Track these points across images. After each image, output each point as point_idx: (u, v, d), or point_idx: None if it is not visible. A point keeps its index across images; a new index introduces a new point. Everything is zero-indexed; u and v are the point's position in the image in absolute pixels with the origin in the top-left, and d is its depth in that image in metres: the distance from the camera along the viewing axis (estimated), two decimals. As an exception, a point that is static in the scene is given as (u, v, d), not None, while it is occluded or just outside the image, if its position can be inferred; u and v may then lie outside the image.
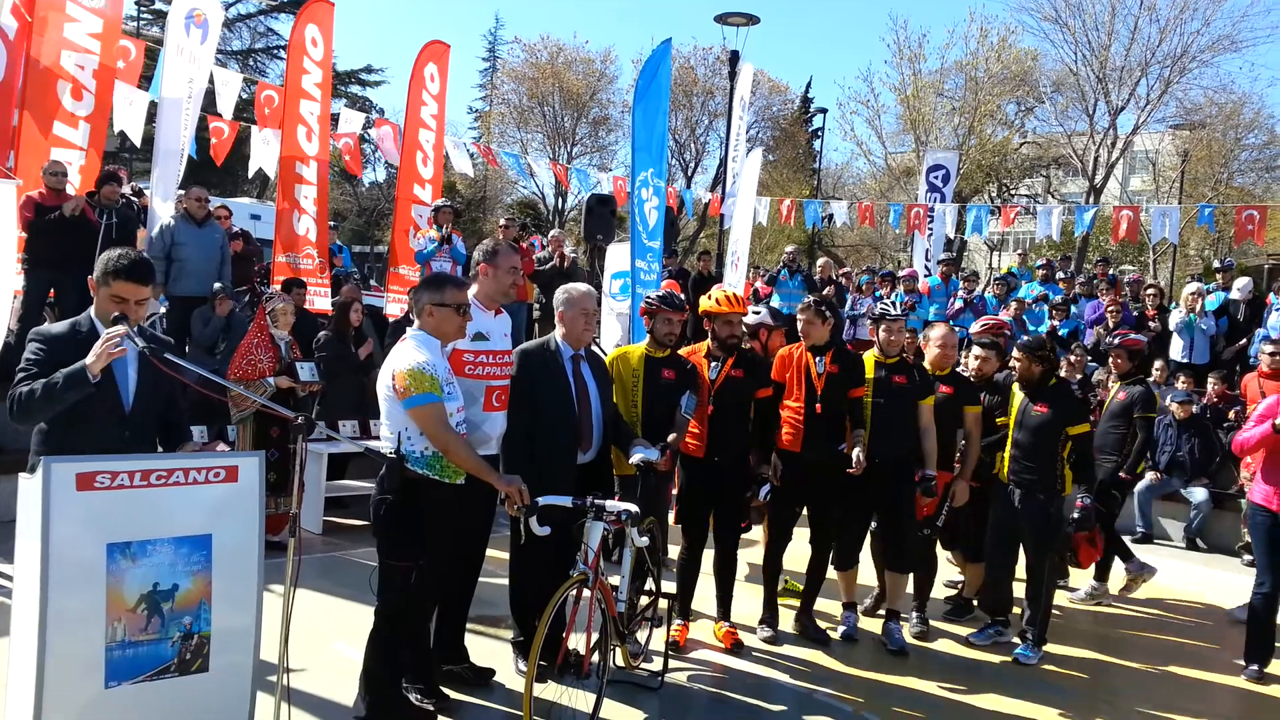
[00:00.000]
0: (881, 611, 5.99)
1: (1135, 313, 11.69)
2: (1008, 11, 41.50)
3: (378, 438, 4.27)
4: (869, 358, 5.72)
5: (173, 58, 9.66)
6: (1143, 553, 8.10)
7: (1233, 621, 6.58)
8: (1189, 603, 7.23)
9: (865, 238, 34.26)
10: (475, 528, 4.52)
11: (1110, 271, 14.25)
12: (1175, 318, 11.16)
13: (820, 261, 14.92)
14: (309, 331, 8.37)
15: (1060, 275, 13.20)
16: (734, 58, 16.39)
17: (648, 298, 5.40)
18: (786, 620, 5.83)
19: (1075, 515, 5.64)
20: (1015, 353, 5.83)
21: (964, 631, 6.07)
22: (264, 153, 13.26)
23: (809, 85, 40.28)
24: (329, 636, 5.10)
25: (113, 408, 3.62)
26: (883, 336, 5.66)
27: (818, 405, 5.47)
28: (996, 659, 5.67)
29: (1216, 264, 14.88)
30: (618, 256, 10.31)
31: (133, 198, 10.56)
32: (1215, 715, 5.13)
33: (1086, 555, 6.07)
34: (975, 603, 6.34)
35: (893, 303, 5.76)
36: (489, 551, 4.77)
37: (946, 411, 5.80)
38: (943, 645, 5.88)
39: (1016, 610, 5.97)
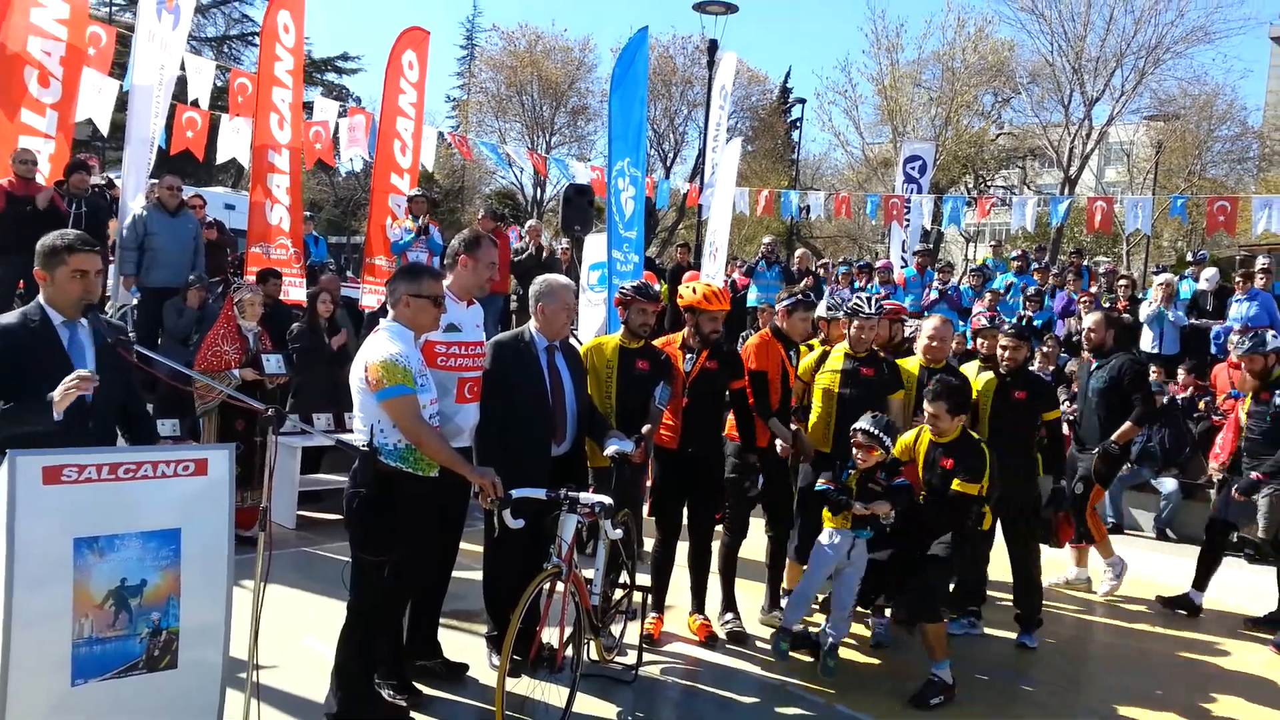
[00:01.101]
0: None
1: (1108, 304, 11.79)
2: (985, 1, 41.68)
3: (353, 430, 4.24)
4: (838, 349, 5.73)
5: (144, 44, 9.54)
6: (1114, 543, 8.17)
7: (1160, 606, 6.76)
8: (1157, 591, 7.29)
9: (843, 229, 34.35)
10: (449, 521, 4.50)
11: (1084, 263, 14.38)
12: (1146, 309, 11.27)
13: (798, 253, 14.93)
14: (285, 323, 8.29)
15: (1035, 266, 13.31)
16: (712, 47, 16.30)
17: (622, 288, 5.37)
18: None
19: (1051, 495, 5.83)
20: (1003, 339, 5.86)
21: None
22: (234, 141, 13.13)
23: (788, 75, 40.19)
24: (301, 632, 5.07)
25: (73, 402, 3.56)
26: (853, 333, 5.66)
27: (793, 399, 5.49)
28: (968, 649, 5.71)
29: (1190, 256, 15.06)
30: (595, 247, 10.28)
31: (105, 189, 10.43)
32: (1185, 701, 5.20)
33: (1065, 534, 6.24)
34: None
35: (868, 300, 5.71)
36: (463, 545, 4.76)
37: None
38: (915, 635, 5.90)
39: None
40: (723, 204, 11.38)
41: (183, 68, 11.48)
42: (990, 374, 5.93)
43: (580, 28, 78.41)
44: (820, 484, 4.98)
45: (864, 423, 4.98)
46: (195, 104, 13.23)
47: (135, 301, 9.44)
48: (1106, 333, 6.86)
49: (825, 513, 5.00)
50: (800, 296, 5.71)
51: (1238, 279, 11.30)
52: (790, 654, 5.02)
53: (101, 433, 3.68)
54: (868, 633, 5.78)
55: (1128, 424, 6.62)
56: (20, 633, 3.10)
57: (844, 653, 5.51)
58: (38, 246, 3.63)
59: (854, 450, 4.98)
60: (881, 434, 4.93)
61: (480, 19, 47.34)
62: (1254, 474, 6.34)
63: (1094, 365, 6.86)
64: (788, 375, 5.53)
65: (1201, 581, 6.67)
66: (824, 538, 5.00)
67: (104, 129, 11.79)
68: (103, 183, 10.52)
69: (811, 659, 5.19)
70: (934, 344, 5.84)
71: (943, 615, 5.01)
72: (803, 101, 30.27)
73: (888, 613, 5.63)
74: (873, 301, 5.69)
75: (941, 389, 4.93)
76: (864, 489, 4.93)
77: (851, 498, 4.89)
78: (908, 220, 17.48)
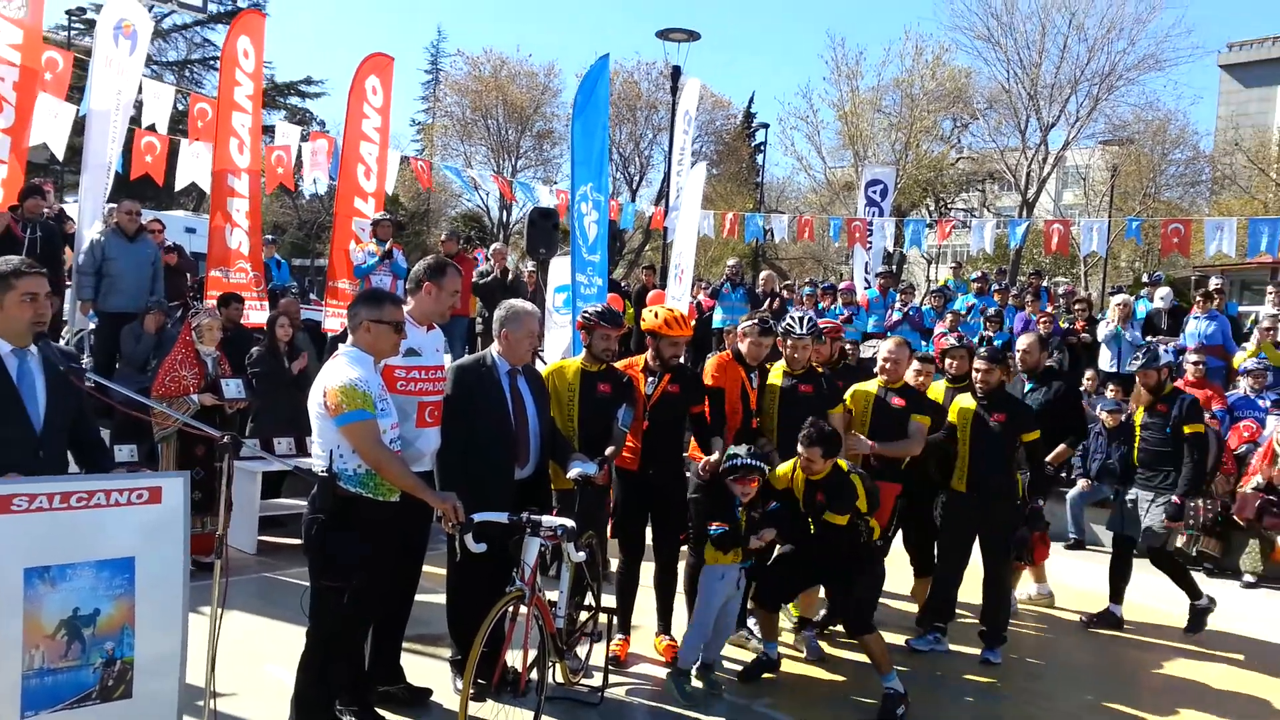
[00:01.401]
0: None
1: (1066, 324, 11.99)
2: (942, 30, 42.77)
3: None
4: (776, 368, 5.76)
5: (101, 69, 9.48)
6: (1076, 558, 8.29)
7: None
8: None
9: (808, 251, 34.69)
10: (410, 546, 4.46)
11: (1043, 284, 14.63)
12: (1103, 329, 11.47)
13: (763, 274, 15.06)
14: (245, 347, 8.20)
15: (996, 287, 13.51)
16: (676, 73, 16.50)
17: (585, 312, 5.38)
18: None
19: (1028, 515, 5.96)
20: (979, 362, 5.93)
21: (901, 639, 6.13)
22: (194, 166, 13.02)
23: (751, 101, 40.71)
24: (261, 658, 5.00)
25: (22, 431, 3.52)
26: (787, 352, 5.69)
27: (754, 420, 5.51)
28: (932, 666, 5.75)
29: (1145, 277, 15.37)
30: (561, 270, 10.29)
31: (58, 221, 10.27)
32: (1148, 713, 5.26)
33: (1040, 554, 6.28)
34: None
35: (800, 320, 5.71)
36: (426, 569, 4.72)
37: (899, 424, 5.81)
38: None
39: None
40: (688, 226, 11.45)
41: (140, 92, 11.39)
42: (969, 396, 5.99)
43: (545, 53, 78.94)
44: (714, 527, 5.00)
45: (740, 454, 5.02)
46: (152, 129, 13.09)
47: (92, 327, 9.31)
48: (1040, 354, 6.99)
49: (710, 550, 5.05)
50: (757, 321, 5.74)
51: (1197, 298, 11.52)
52: (690, 690, 5.03)
53: (53, 461, 3.63)
54: (835, 651, 5.79)
55: (1062, 446, 6.78)
56: (-32, 665, 3.04)
57: (808, 671, 5.55)
58: None
59: (735, 485, 5.00)
60: (757, 463, 4.99)
61: (445, 44, 47.51)
62: (1174, 498, 6.47)
63: (1028, 387, 6.98)
64: (748, 396, 5.56)
65: (1117, 595, 6.77)
66: (712, 572, 5.05)
67: (60, 154, 11.65)
68: (54, 214, 10.36)
69: (771, 675, 5.29)
70: (888, 365, 5.90)
71: (876, 626, 5.11)
72: (766, 126, 30.60)
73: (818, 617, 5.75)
74: (804, 321, 5.68)
75: (816, 435, 4.95)
76: (749, 520, 5.03)
77: (743, 537, 4.98)
78: (870, 242, 17.69)
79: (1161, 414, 6.53)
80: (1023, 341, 7.07)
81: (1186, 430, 6.42)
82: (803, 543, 5.17)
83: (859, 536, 5.10)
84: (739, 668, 5.43)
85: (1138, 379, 6.75)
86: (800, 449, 5.01)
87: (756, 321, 5.70)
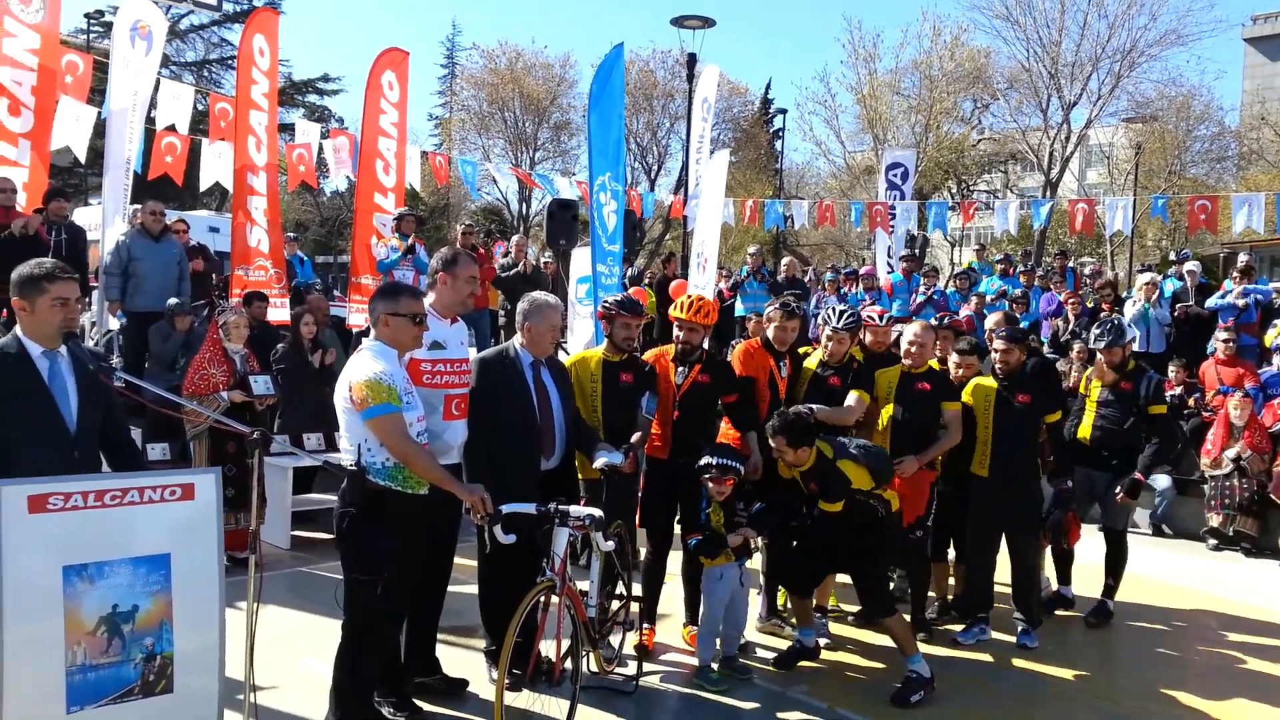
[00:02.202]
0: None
1: (1092, 304, 11.85)
2: (960, 10, 42.28)
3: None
4: (816, 355, 5.69)
5: (119, 70, 9.57)
6: (1097, 537, 8.18)
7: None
8: (1155, 588, 7.31)
9: (830, 236, 34.52)
10: (440, 539, 4.48)
11: (1069, 264, 14.47)
12: (1130, 308, 11.31)
13: (785, 261, 15.00)
14: (272, 344, 8.25)
15: (1022, 269, 13.36)
16: (691, 60, 16.42)
17: (605, 302, 5.36)
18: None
19: (1054, 497, 5.89)
20: (998, 344, 5.83)
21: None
22: (216, 166, 13.09)
23: (768, 87, 40.50)
24: (298, 652, 5.04)
25: (56, 432, 3.55)
26: (823, 344, 5.63)
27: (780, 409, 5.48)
28: (968, 655, 5.69)
29: (1173, 255, 15.17)
30: (582, 260, 10.28)
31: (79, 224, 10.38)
32: (1190, 696, 5.20)
33: (1074, 535, 6.22)
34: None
35: (839, 314, 5.59)
36: (459, 560, 4.74)
37: (925, 409, 5.69)
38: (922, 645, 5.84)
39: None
40: (710, 215, 11.38)
41: (158, 91, 11.48)
42: (989, 377, 5.91)
43: (560, 44, 78.92)
44: (691, 540, 4.98)
45: (707, 458, 4.96)
46: (172, 128, 13.16)
47: (118, 327, 9.40)
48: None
49: (702, 559, 5.01)
50: (780, 305, 5.65)
51: (1235, 274, 11.30)
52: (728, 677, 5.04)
53: (87, 461, 3.66)
54: (858, 635, 5.76)
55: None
56: (12, 662, 3.08)
57: (844, 658, 5.53)
58: (13, 276, 3.59)
59: (710, 485, 4.94)
60: (730, 461, 4.91)
61: (460, 38, 47.55)
62: (1136, 475, 6.29)
63: None
64: (776, 385, 5.52)
65: (1065, 577, 6.60)
66: (711, 574, 5.01)
67: (82, 156, 11.77)
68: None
69: (813, 663, 5.26)
70: (913, 349, 5.74)
71: (897, 608, 5.10)
72: (784, 112, 30.44)
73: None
74: (842, 315, 5.57)
75: (780, 424, 4.86)
76: (730, 521, 4.98)
77: (724, 540, 4.93)
78: (892, 226, 17.56)
79: (1126, 392, 6.32)
80: (991, 320, 6.95)
81: (1152, 411, 6.26)
82: (811, 530, 5.10)
83: (875, 513, 5.05)
84: (768, 652, 5.42)
85: (1101, 356, 6.57)
86: (770, 438, 4.94)
87: (780, 305, 5.65)
